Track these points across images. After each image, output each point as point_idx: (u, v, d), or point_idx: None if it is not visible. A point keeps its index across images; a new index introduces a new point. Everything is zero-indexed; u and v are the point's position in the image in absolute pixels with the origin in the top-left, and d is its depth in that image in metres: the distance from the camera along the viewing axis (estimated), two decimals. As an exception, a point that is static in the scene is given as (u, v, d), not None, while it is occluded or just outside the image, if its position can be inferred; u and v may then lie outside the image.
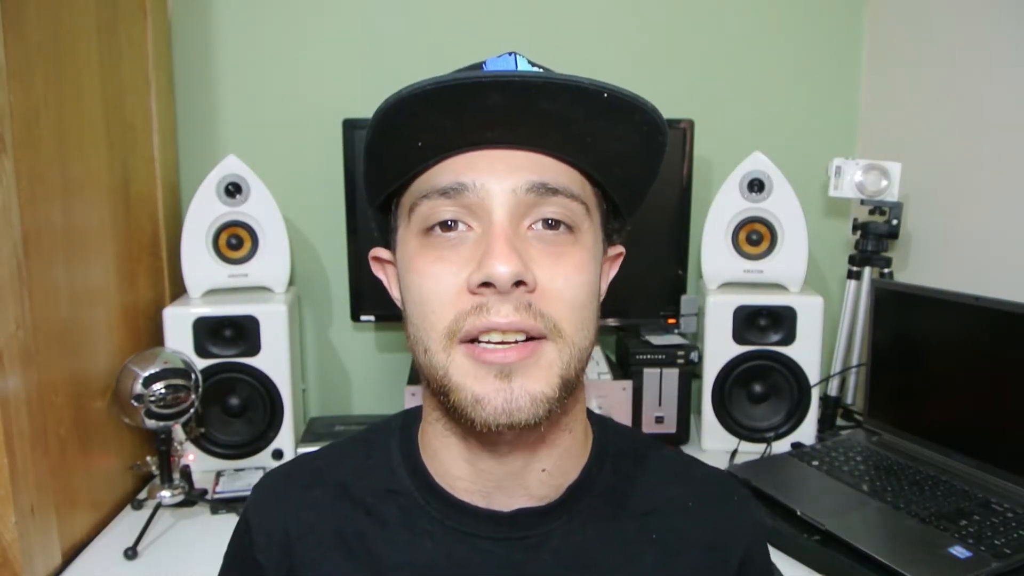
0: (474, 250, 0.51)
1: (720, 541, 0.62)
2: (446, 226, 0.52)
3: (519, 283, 0.50)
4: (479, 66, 0.55)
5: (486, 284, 0.50)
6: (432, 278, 0.52)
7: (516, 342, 0.50)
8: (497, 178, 0.51)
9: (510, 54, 0.55)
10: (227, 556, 0.65)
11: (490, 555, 0.57)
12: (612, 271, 0.63)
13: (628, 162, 0.55)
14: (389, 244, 0.60)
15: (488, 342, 0.51)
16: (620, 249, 0.63)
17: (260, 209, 1.36)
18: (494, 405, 0.50)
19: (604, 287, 0.61)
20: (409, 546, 0.58)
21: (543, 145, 0.52)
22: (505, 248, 0.50)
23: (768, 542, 0.70)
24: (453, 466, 0.58)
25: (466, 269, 0.51)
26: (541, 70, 0.54)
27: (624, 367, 1.47)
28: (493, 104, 0.48)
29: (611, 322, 1.52)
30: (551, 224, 0.53)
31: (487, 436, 0.54)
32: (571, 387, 0.53)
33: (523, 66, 0.54)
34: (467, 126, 0.51)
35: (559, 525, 0.58)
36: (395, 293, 0.61)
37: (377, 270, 0.63)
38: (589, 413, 0.64)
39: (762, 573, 0.66)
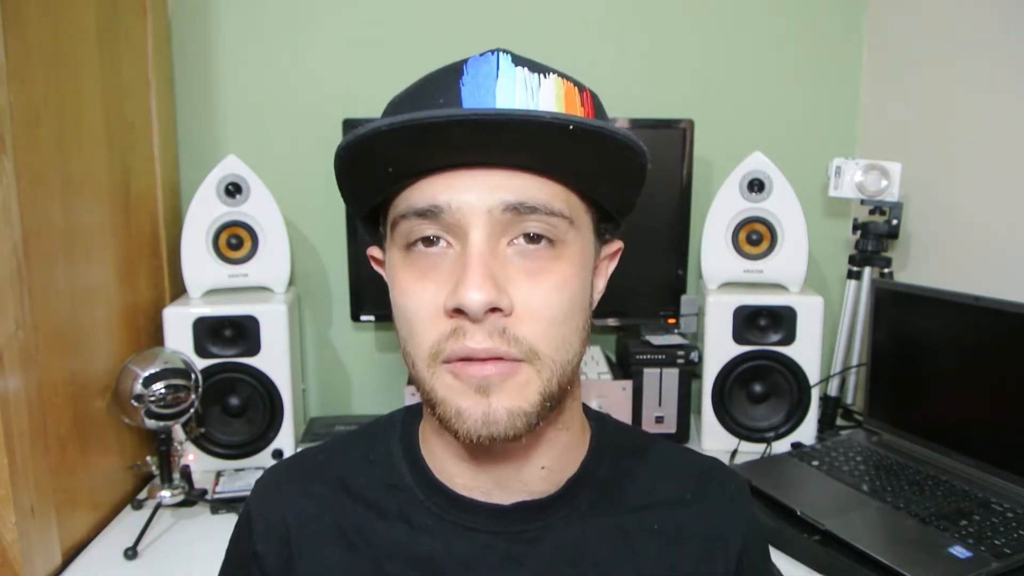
0: (453, 269, 0.51)
1: (718, 532, 0.62)
2: (428, 241, 0.52)
3: (494, 309, 0.49)
4: (459, 67, 0.53)
5: (459, 310, 0.50)
6: (415, 297, 0.52)
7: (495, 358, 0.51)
8: (472, 199, 0.50)
9: (492, 52, 0.53)
10: (229, 547, 0.66)
11: (490, 549, 0.57)
12: (611, 266, 0.62)
13: (610, 179, 0.54)
14: (382, 246, 0.60)
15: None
16: (618, 244, 0.62)
17: (260, 209, 1.36)
18: (474, 418, 0.51)
19: (603, 285, 0.60)
20: (408, 540, 0.58)
21: (518, 165, 0.51)
22: (478, 276, 0.49)
23: (768, 542, 0.70)
24: (451, 464, 0.59)
25: (445, 289, 0.51)
26: (525, 68, 0.52)
27: (624, 367, 1.47)
28: (456, 136, 0.48)
29: (611, 322, 1.52)
30: (532, 238, 0.52)
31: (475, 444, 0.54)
32: (553, 400, 0.53)
33: (505, 65, 0.52)
34: (435, 154, 0.50)
35: (559, 519, 0.59)
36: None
37: (377, 267, 0.63)
38: (587, 410, 0.65)
39: (760, 561, 0.66)
